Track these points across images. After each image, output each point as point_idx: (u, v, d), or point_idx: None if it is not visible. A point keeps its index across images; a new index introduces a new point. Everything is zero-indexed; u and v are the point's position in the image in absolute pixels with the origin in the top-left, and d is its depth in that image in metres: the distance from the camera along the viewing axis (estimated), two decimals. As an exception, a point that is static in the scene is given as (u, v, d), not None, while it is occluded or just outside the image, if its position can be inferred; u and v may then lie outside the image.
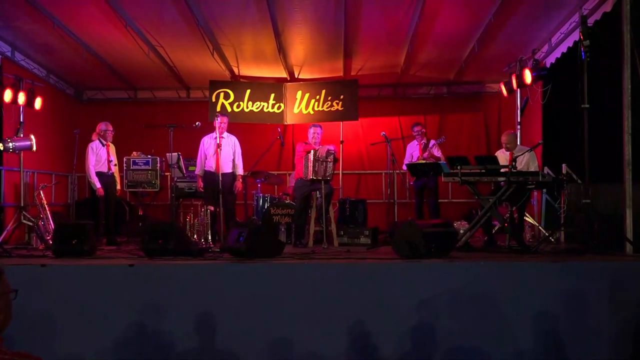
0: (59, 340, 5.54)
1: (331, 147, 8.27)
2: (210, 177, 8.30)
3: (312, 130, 8.43)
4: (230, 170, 8.43)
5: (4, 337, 2.12)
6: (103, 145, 8.64)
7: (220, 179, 8.00)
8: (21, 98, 8.73)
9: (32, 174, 9.87)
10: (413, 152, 9.54)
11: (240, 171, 8.58)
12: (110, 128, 8.78)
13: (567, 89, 7.79)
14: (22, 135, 8.42)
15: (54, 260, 6.39)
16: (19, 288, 2.17)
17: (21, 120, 8.92)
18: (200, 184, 8.56)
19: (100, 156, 8.58)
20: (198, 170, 8.60)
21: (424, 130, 9.68)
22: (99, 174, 8.52)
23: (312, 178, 7.96)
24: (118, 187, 8.96)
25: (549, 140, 9.00)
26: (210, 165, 8.34)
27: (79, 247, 6.54)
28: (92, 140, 8.81)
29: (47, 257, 6.60)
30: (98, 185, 8.47)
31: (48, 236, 7.90)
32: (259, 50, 9.82)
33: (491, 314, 5.55)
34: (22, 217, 8.20)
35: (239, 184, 8.56)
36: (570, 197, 8.05)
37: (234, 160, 8.50)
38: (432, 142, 9.39)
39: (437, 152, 9.23)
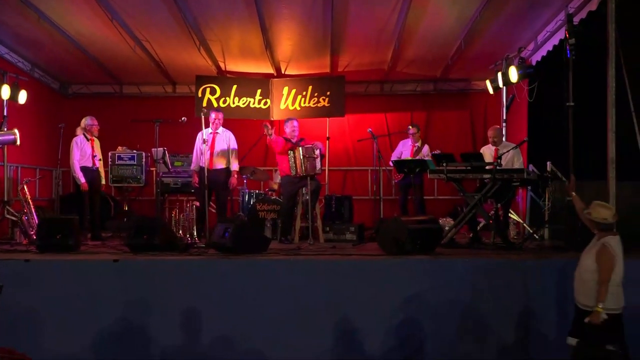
0: (43, 335, 5.52)
1: (318, 144, 8.18)
2: (203, 172, 8.22)
3: (290, 124, 8.34)
4: (224, 166, 8.37)
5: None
6: (87, 140, 8.55)
7: (214, 175, 7.98)
8: (5, 92, 8.64)
9: (16, 168, 9.78)
10: (404, 150, 9.49)
11: (235, 167, 8.48)
12: (96, 123, 8.69)
13: (552, 86, 7.84)
14: (5, 129, 8.34)
15: (38, 255, 6.35)
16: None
17: (5, 114, 8.86)
18: (196, 179, 8.42)
19: (84, 151, 8.49)
20: (193, 166, 8.49)
21: (419, 131, 9.58)
22: (84, 169, 8.43)
23: (301, 175, 7.90)
24: (103, 182, 8.89)
25: (534, 138, 9.04)
26: (204, 161, 8.27)
27: (63, 242, 6.53)
28: (76, 135, 8.74)
29: (30, 252, 6.57)
30: (82, 180, 8.38)
31: (32, 231, 7.83)
32: (245, 45, 9.78)
33: (476, 310, 5.60)
34: (5, 212, 8.14)
35: (233, 180, 8.44)
36: (554, 194, 8.10)
37: (229, 156, 8.43)
38: (426, 148, 9.29)
39: None
